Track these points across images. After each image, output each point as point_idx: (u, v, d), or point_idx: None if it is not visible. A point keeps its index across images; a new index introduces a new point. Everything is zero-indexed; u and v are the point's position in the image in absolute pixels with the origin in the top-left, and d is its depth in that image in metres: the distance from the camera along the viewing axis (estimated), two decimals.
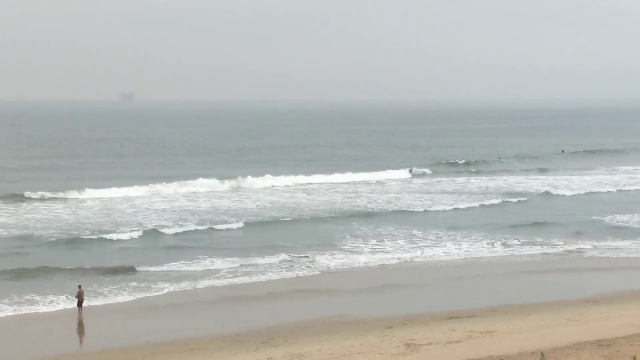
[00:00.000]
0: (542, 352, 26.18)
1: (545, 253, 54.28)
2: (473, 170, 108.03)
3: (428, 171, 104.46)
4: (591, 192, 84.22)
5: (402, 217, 67.33)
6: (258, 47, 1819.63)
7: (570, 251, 54.79)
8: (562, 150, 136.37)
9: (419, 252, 53.54)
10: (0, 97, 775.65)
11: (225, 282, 45.56)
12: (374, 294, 43.78)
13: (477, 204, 74.77)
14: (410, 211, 70.80)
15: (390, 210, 70.92)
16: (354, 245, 55.81)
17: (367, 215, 67.71)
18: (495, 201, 76.62)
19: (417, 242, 56.88)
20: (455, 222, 64.96)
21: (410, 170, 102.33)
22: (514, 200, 77.96)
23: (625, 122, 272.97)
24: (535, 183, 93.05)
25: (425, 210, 71.36)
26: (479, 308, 39.82)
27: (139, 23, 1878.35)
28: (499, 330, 34.64)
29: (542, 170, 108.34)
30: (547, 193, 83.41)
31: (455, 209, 72.45)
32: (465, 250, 54.50)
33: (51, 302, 40.66)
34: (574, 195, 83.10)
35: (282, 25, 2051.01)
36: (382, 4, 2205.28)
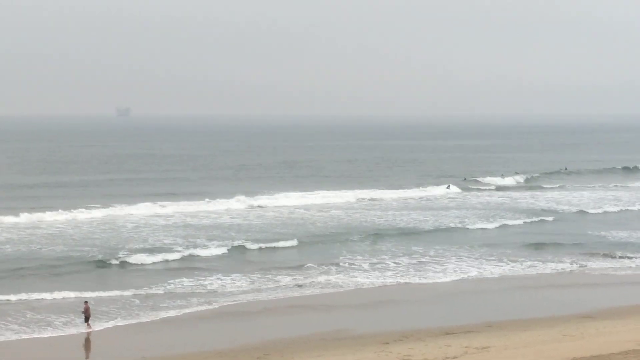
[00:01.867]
0: None
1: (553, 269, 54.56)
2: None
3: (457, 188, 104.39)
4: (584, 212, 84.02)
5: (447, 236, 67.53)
6: (257, 61, 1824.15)
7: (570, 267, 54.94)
8: (566, 168, 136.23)
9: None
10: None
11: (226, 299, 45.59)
12: (370, 310, 43.80)
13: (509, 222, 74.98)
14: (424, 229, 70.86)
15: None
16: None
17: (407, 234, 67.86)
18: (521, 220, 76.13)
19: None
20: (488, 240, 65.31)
21: (448, 187, 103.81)
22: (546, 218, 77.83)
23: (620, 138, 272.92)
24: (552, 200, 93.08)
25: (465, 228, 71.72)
26: (475, 324, 39.82)
27: (135, 38, 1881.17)
28: (494, 345, 34.63)
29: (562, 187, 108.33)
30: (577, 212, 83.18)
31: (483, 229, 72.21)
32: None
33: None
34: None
35: (282, 39, 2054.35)
36: (381, 20, 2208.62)
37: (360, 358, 33.07)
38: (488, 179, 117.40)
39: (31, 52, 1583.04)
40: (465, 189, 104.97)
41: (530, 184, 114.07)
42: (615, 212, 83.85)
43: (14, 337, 37.92)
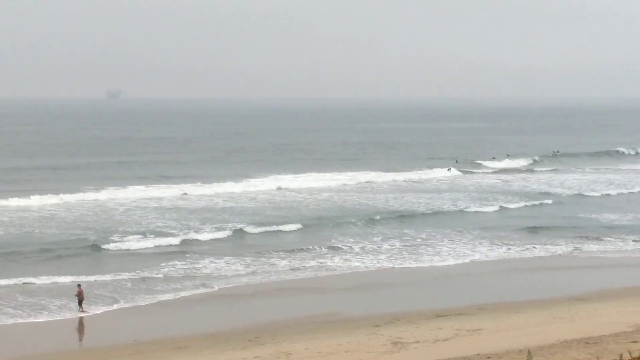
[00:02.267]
0: (529, 351, 26.21)
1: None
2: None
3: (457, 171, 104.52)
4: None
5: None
6: (247, 46, 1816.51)
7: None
8: (558, 151, 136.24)
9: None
10: None
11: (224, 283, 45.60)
12: (362, 293, 43.91)
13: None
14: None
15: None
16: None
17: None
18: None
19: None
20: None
21: (449, 169, 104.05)
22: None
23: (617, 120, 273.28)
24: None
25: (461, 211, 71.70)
26: (467, 306, 39.96)
27: (125, 21, 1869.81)
28: (486, 328, 34.74)
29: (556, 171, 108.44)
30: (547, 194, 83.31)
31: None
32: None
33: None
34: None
35: (272, 24, 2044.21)
36: (373, 4, 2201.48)
37: (352, 340, 33.15)
38: (481, 162, 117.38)
39: (20, 35, 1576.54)
40: (463, 172, 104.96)
41: (524, 167, 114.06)
42: (605, 195, 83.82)
43: (10, 321, 37.89)
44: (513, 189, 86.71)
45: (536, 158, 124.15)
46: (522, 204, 75.89)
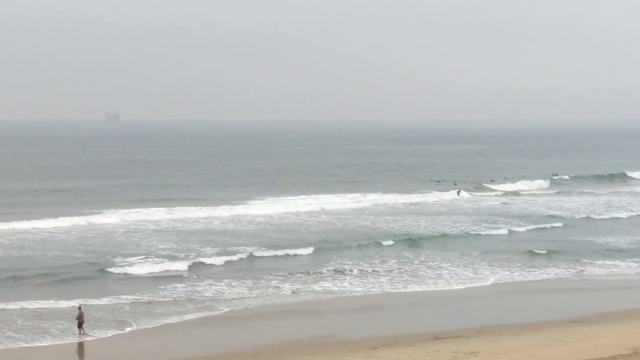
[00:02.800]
0: None
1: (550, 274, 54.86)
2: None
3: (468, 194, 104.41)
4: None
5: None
6: (246, 68, 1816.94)
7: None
8: (557, 174, 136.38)
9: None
10: None
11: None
12: (360, 315, 43.99)
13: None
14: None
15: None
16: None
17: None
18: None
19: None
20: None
21: (458, 192, 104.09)
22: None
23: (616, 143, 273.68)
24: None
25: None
26: (464, 329, 40.06)
27: (124, 43, 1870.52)
28: (483, 350, 34.76)
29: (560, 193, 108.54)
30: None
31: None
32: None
33: None
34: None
35: (270, 46, 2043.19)
36: (371, 26, 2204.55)
37: None
38: (488, 185, 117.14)
39: (19, 57, 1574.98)
40: (472, 194, 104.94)
41: (524, 189, 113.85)
42: (615, 218, 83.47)
43: (13, 345, 37.81)
44: (519, 212, 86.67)
45: (547, 180, 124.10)
46: (531, 226, 75.84)
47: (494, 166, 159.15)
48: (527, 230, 74.43)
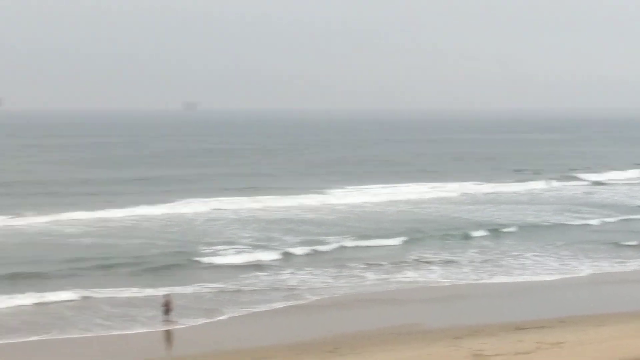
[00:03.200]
0: None
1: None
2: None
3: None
4: None
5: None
6: (323, 58, 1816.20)
7: None
8: None
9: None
10: (72, 107, 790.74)
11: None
12: (442, 305, 43.91)
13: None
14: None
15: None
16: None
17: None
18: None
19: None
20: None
21: (546, 182, 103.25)
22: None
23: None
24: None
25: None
26: (548, 319, 39.57)
27: (201, 34, 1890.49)
28: (568, 341, 34.30)
29: None
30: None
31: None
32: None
33: None
34: None
35: (347, 37, 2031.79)
36: (446, 17, 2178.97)
37: (431, 352, 33.14)
38: (576, 174, 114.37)
39: (102, 50, 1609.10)
40: (562, 184, 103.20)
41: (612, 179, 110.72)
42: None
43: (103, 332, 38.47)
44: (605, 201, 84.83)
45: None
46: (618, 217, 74.10)
47: (579, 155, 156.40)
48: (615, 221, 72.70)
